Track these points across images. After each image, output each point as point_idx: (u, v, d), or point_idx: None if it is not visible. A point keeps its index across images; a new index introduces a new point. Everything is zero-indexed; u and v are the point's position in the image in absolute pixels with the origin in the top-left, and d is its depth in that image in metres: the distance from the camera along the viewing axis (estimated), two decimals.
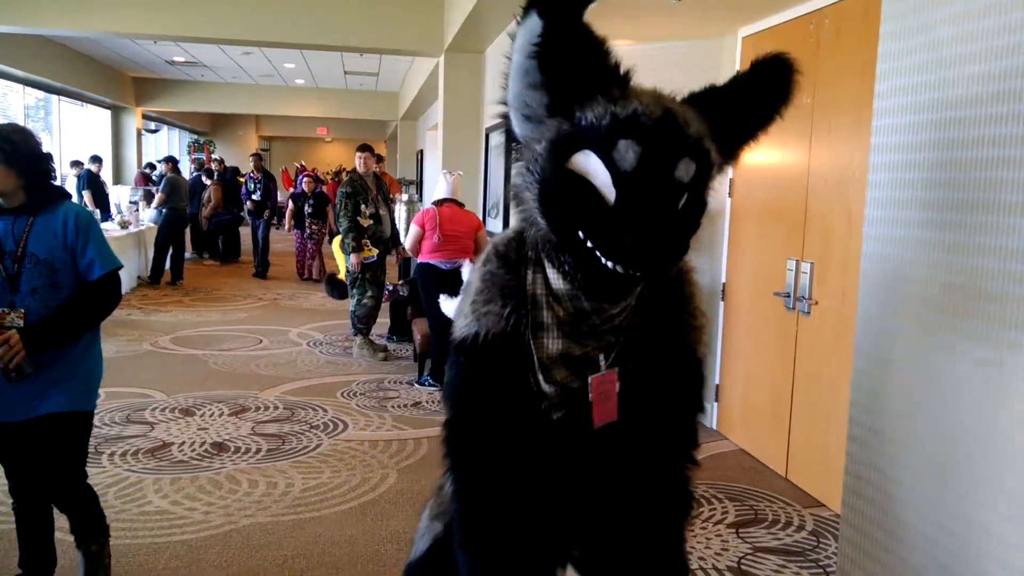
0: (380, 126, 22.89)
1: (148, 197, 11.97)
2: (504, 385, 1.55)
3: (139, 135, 16.75)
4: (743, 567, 3.22)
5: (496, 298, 1.56)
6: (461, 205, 6.04)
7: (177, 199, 10.99)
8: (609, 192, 1.37)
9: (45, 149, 2.72)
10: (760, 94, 1.62)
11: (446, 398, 1.63)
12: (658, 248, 1.36)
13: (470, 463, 1.60)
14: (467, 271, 5.66)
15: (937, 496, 1.98)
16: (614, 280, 1.44)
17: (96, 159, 12.06)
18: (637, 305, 1.57)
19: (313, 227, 11.56)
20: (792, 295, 4.14)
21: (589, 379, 1.52)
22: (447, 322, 5.77)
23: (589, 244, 1.39)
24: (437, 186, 6.19)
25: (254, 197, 11.88)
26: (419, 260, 5.95)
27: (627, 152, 1.37)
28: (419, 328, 6.12)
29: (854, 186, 3.64)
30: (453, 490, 1.63)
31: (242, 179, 13.08)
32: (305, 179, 11.93)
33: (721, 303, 5.01)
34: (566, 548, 1.71)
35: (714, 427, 5.04)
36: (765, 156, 4.60)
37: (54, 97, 13.43)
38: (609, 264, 1.38)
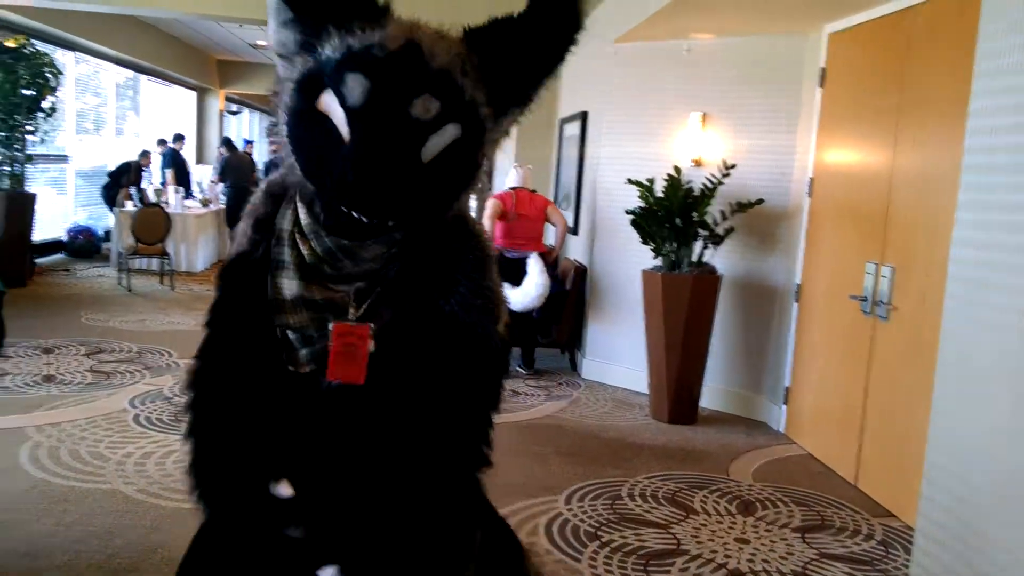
0: None
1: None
2: (239, 317, 1.47)
3: (221, 116, 17.21)
4: (808, 573, 3.17)
5: (249, 220, 1.50)
6: (533, 192, 6.12)
7: (235, 177, 11.36)
8: (345, 131, 1.30)
9: None
10: (544, 28, 1.41)
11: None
12: (382, 190, 1.27)
13: (194, 393, 1.51)
14: (533, 263, 5.69)
15: (1022, 510, 1.93)
16: (355, 225, 1.35)
17: (179, 137, 12.46)
18: (401, 255, 1.43)
19: None
20: (870, 299, 4.04)
21: (330, 326, 1.39)
22: (512, 312, 5.84)
23: (330, 189, 1.33)
24: (508, 177, 6.26)
25: None
26: None
27: (355, 87, 1.28)
28: None
29: (942, 189, 3.53)
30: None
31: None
32: None
33: (795, 304, 4.92)
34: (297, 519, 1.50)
35: (781, 430, 4.96)
36: (846, 155, 4.50)
37: (142, 77, 13.88)
38: (344, 208, 1.31)
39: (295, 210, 1.44)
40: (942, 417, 2.25)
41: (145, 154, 11.24)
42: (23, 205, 8.13)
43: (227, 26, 12.36)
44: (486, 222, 5.94)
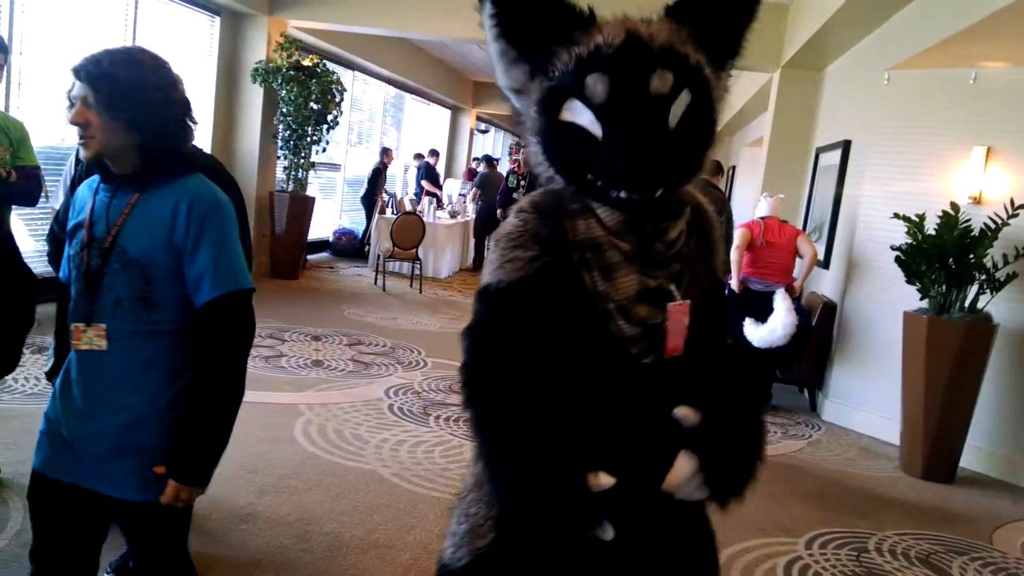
0: None
1: None
2: (525, 335, 1.46)
3: (471, 135, 18.21)
4: None
5: (528, 244, 1.47)
6: (783, 222, 5.92)
7: (489, 192, 11.97)
8: (596, 129, 1.40)
9: (184, 92, 1.77)
10: None
11: (462, 343, 1.54)
12: (650, 163, 1.38)
13: (493, 411, 1.49)
14: (780, 300, 5.49)
15: None
16: (629, 207, 1.45)
17: (434, 152, 13.36)
18: (689, 229, 1.55)
19: None
20: None
21: (668, 307, 1.48)
22: (747, 346, 5.63)
23: (599, 184, 1.43)
24: (757, 207, 6.10)
25: (515, 196, 10.74)
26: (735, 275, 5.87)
27: (596, 85, 1.39)
28: None
29: None
30: (478, 441, 1.52)
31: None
32: None
33: None
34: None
35: None
36: None
37: (406, 95, 15.03)
38: (620, 195, 1.42)
39: (595, 215, 1.49)
40: None
41: (386, 151, 12.12)
42: (303, 207, 9.09)
43: (485, 48, 13.09)
44: (734, 253, 5.81)
